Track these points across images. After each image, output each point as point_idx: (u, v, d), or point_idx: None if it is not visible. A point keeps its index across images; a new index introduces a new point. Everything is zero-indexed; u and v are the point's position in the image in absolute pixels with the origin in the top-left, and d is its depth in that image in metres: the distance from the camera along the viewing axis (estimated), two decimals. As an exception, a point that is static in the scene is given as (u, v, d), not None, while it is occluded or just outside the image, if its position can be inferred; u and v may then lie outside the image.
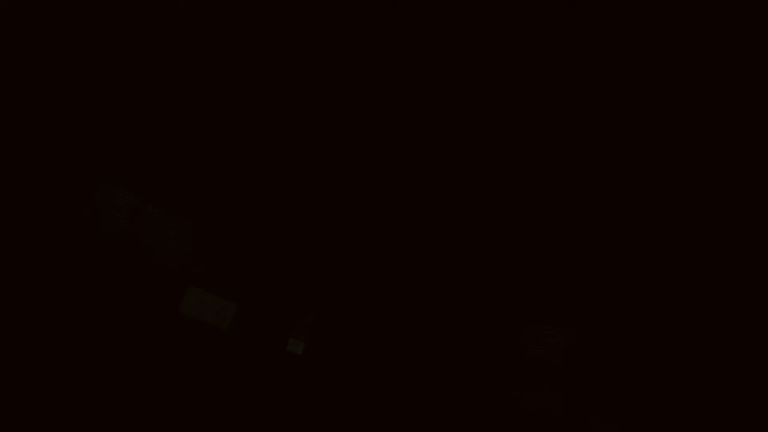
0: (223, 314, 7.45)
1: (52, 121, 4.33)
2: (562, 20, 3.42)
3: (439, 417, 7.92)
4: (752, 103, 3.71)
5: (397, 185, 6.13)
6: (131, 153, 5.23)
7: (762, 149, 3.99)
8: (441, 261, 8.04)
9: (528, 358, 7.29)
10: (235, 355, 7.28)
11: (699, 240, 5.24)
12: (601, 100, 3.97)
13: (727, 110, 3.80)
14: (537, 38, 3.60)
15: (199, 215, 6.44)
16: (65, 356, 4.75)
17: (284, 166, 6.42)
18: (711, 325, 5.94)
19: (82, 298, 5.05)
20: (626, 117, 4.08)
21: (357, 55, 4.07)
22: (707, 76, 3.61)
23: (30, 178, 4.35)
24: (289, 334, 8.71)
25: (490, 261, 7.33)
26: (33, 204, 4.43)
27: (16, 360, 4.15)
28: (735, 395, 5.60)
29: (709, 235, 5.11)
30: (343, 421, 8.21)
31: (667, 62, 3.58)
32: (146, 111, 5.12)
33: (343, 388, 8.87)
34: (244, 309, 7.58)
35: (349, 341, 9.19)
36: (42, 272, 4.58)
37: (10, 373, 4.04)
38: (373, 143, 5.32)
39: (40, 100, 4.19)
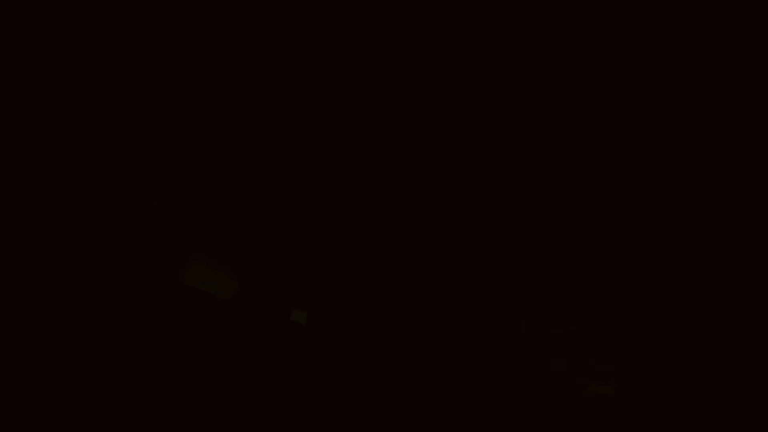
0: (227, 285, 7.61)
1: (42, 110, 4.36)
2: (561, 20, 3.39)
3: (441, 387, 8.13)
4: (752, 103, 3.69)
5: (405, 163, 6.16)
6: (131, 150, 5.27)
7: (762, 149, 3.99)
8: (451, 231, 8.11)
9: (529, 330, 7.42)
10: (239, 326, 7.45)
11: (697, 237, 5.29)
12: (607, 99, 3.96)
13: (728, 110, 3.79)
14: (537, 38, 3.57)
15: (202, 196, 6.49)
16: (68, 331, 4.91)
17: (286, 146, 6.43)
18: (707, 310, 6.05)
19: (86, 272, 5.17)
20: (631, 115, 4.06)
21: (356, 55, 4.05)
22: (707, 77, 3.59)
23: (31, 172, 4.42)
24: (292, 304, 8.85)
25: (499, 239, 7.37)
26: (35, 196, 4.51)
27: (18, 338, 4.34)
28: (726, 371, 5.76)
29: (706, 232, 5.15)
30: (346, 395, 8.47)
31: (667, 62, 3.55)
32: (143, 104, 5.12)
33: (347, 361, 9.11)
34: (248, 280, 7.70)
35: (352, 315, 9.37)
36: (46, 248, 4.69)
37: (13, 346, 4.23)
38: (383, 128, 5.32)
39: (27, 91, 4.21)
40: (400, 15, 3.57)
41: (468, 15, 3.50)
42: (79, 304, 5.11)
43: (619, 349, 6.75)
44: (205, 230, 6.78)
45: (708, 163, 4.28)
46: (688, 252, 5.42)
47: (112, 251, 5.48)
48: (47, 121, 4.39)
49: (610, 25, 3.41)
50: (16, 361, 4.30)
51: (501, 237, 6.82)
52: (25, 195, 4.39)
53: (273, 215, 7.63)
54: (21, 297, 4.42)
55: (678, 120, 4.00)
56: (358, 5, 3.55)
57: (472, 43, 3.71)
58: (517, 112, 4.26)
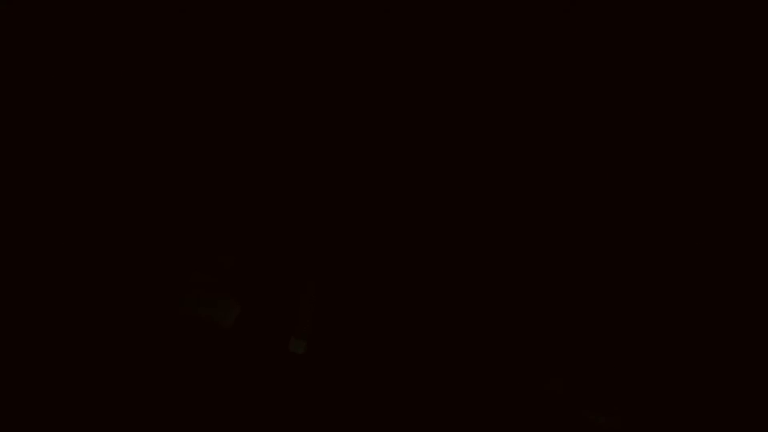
0: (226, 313, 7.47)
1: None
2: (562, 20, 3.41)
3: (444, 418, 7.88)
4: (752, 103, 3.69)
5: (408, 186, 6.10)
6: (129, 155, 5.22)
7: (763, 149, 3.97)
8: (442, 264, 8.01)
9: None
10: (238, 354, 7.29)
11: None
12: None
13: (728, 110, 3.78)
14: (537, 38, 3.58)
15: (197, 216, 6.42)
16: (64, 358, 4.75)
17: (283, 162, 6.39)
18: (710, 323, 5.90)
19: (81, 296, 5.04)
20: (629, 117, 4.04)
21: (357, 54, 4.05)
22: (707, 77, 3.59)
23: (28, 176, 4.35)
24: (291, 332, 8.64)
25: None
26: (34, 198, 4.43)
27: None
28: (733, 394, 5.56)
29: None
30: (347, 420, 8.21)
31: (667, 63, 3.56)
32: (140, 106, 5.10)
33: (347, 387, 8.86)
34: (248, 307, 7.55)
35: (353, 338, 9.16)
36: (41, 271, 4.57)
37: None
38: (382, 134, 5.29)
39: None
40: (400, 15, 3.59)
41: (468, 15, 3.52)
42: (73, 327, 4.97)
43: (625, 378, 6.57)
44: (204, 254, 6.69)
45: (710, 166, 4.24)
46: (701, 263, 5.30)
47: (106, 272, 5.38)
48: (46, 128, 4.34)
49: (610, 25, 3.43)
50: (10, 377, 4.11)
51: (504, 250, 6.72)
52: (23, 202, 4.31)
53: (270, 239, 7.53)
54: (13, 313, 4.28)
55: (678, 121, 3.99)
56: (358, 5, 3.57)
57: (473, 44, 3.72)
58: (516, 112, 4.25)
